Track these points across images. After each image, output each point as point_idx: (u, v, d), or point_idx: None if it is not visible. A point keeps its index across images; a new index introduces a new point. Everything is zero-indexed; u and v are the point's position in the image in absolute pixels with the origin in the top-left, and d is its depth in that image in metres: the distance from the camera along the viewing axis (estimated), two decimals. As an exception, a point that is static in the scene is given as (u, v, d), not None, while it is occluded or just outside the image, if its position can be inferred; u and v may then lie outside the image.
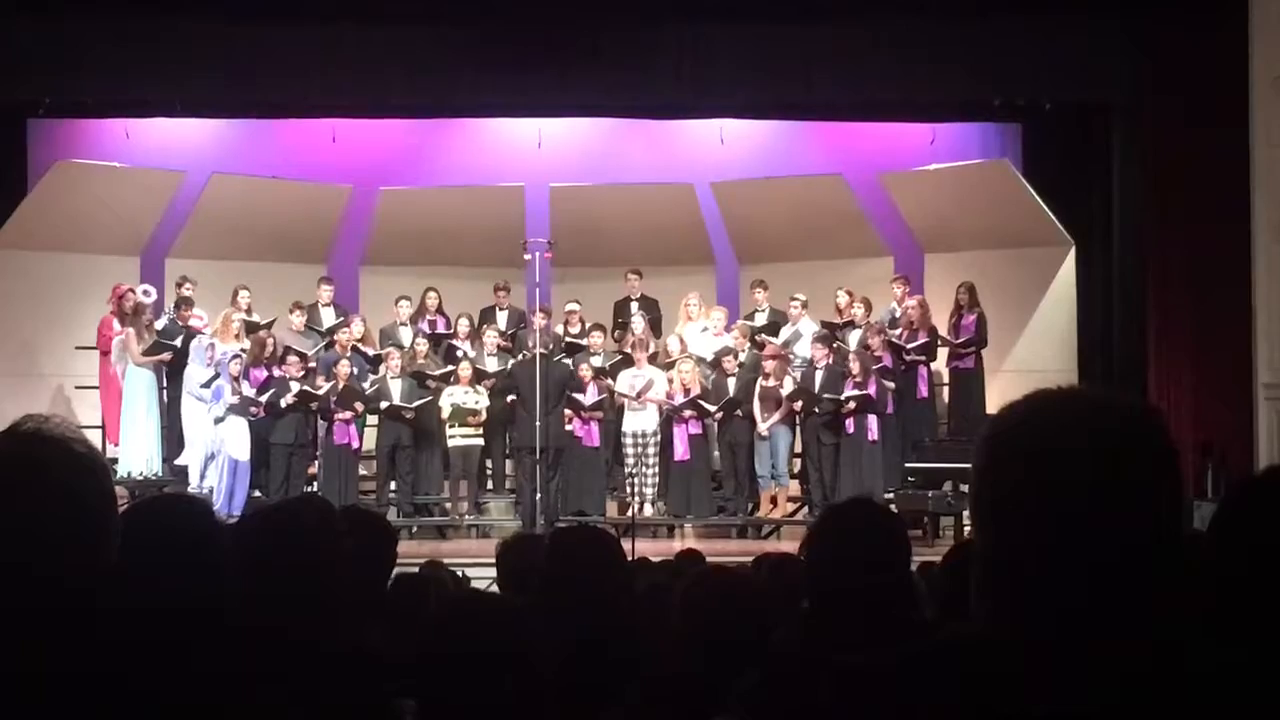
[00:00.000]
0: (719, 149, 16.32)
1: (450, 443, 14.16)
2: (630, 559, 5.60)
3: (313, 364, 14.28)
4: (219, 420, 13.63)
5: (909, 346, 14.32)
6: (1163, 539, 1.57)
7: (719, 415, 14.07)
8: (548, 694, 2.53)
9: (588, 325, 14.93)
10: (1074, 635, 1.54)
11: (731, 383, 14.13)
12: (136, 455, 13.91)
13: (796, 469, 14.48)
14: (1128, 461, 1.57)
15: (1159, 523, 1.57)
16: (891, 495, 13.18)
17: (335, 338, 14.49)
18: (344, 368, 13.97)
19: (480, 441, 14.30)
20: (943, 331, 14.58)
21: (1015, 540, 1.58)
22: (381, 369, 14.27)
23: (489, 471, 14.82)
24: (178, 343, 14.15)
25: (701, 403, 14.01)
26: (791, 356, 14.56)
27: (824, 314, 14.95)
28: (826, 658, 2.62)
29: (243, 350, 13.99)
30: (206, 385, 13.77)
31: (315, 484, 13.90)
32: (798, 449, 14.39)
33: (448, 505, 14.44)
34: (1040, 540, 1.56)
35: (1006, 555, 1.59)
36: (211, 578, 2.42)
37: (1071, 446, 1.57)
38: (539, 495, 13.68)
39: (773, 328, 14.98)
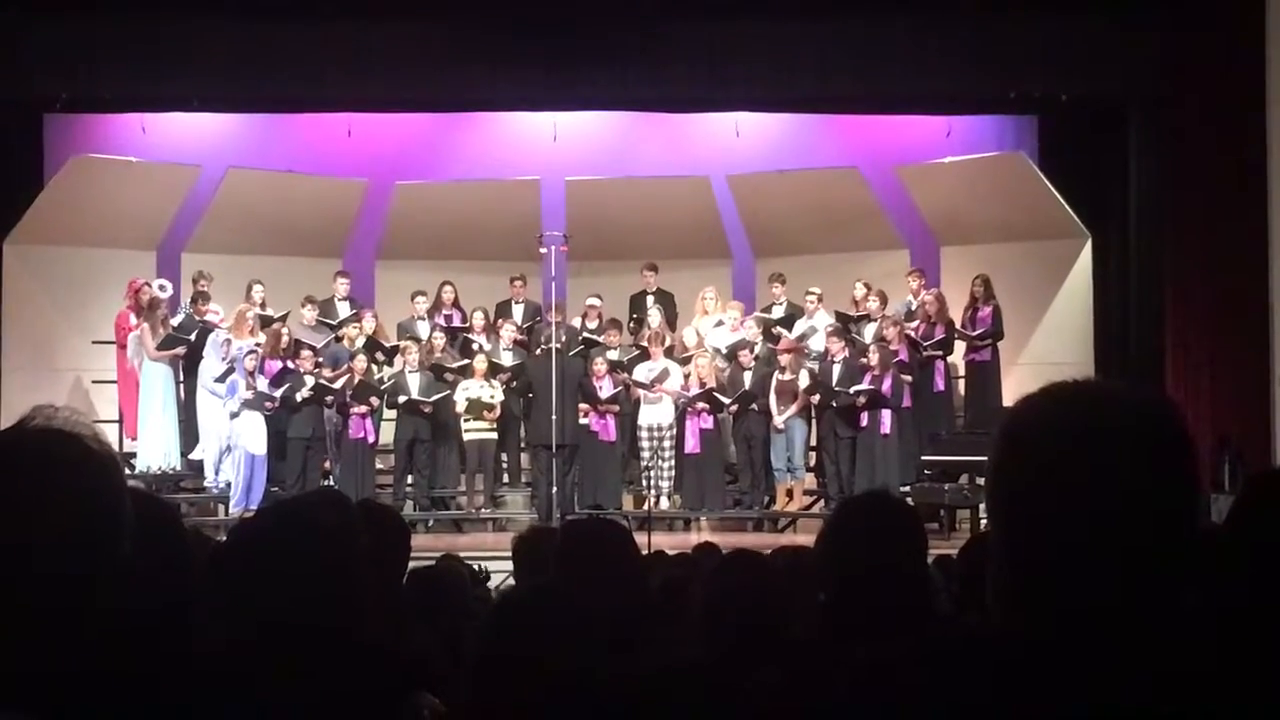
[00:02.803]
0: (735, 142, 16.31)
1: (465, 436, 14.17)
2: (646, 552, 5.61)
3: (320, 358, 14.29)
4: (234, 415, 13.67)
5: (926, 344, 14.29)
6: (1179, 532, 1.56)
7: (734, 408, 14.07)
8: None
9: (604, 320, 14.92)
10: (1088, 629, 1.54)
11: (748, 376, 14.12)
12: (154, 449, 13.97)
13: (812, 462, 14.47)
14: (1144, 455, 1.57)
15: (1175, 516, 1.57)
16: (908, 488, 13.16)
17: (342, 332, 14.52)
18: (360, 362, 13.99)
19: (494, 435, 14.30)
20: (959, 324, 14.56)
21: (1031, 533, 1.58)
22: (399, 362, 14.28)
23: (504, 465, 14.84)
24: (193, 337, 14.18)
25: (717, 395, 14.00)
26: (807, 350, 14.55)
27: (839, 307, 14.94)
28: (841, 651, 2.62)
29: (258, 345, 14.02)
30: (220, 380, 13.81)
31: (331, 478, 13.94)
32: (814, 442, 14.38)
33: (464, 499, 14.47)
34: (1056, 534, 1.56)
35: (1022, 549, 1.59)
36: (169, 567, 2.36)
37: (1087, 440, 1.57)
38: (555, 489, 13.69)
39: (788, 321, 14.96)
